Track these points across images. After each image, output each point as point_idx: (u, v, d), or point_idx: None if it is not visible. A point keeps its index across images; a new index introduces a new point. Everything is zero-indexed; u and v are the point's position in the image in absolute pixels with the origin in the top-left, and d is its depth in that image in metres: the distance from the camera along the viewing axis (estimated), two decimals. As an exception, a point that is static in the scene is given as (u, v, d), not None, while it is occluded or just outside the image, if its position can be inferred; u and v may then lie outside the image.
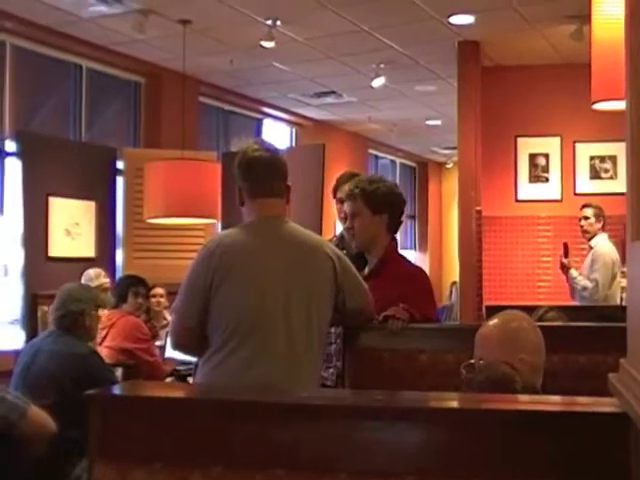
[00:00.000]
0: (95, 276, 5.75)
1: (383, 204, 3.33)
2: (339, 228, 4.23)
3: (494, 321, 2.39)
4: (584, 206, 6.34)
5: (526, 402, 1.77)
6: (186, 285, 2.78)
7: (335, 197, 3.97)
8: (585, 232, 6.27)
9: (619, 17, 3.40)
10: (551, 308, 4.07)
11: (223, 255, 2.73)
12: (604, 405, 1.47)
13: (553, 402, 1.70)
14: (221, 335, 2.72)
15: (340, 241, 3.87)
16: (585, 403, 1.55)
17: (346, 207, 3.43)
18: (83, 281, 5.61)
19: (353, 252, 3.55)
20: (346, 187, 3.79)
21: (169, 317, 6.15)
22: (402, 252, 3.69)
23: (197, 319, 2.73)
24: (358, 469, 1.52)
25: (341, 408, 1.67)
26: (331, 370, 3.65)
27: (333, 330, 3.58)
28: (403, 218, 3.50)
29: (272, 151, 2.90)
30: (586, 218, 6.26)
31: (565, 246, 6.30)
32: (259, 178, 2.84)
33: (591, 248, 6.29)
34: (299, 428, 1.60)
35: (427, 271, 12.85)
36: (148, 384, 3.30)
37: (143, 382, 4.11)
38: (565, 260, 6.27)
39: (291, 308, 2.74)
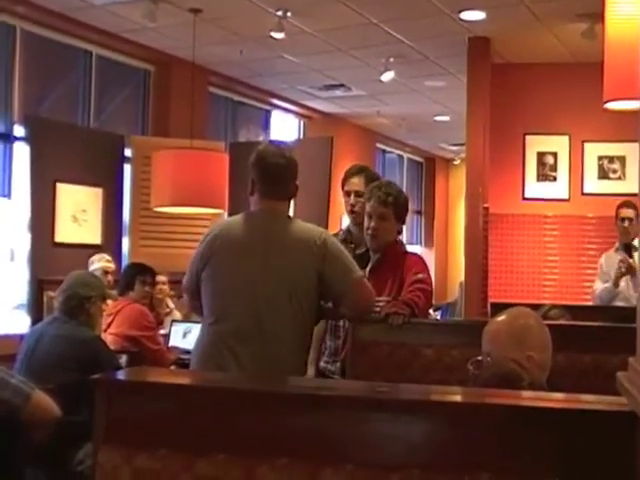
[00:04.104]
0: (98, 259, 5.76)
1: (405, 214, 3.63)
2: (345, 221, 4.25)
3: (502, 317, 2.38)
4: (625, 206, 5.61)
5: (532, 398, 1.77)
6: (188, 266, 3.08)
7: (343, 190, 4.01)
8: (627, 234, 5.57)
9: (633, 16, 3.39)
10: (554, 306, 4.10)
11: (213, 241, 2.99)
12: (611, 403, 1.47)
13: (560, 399, 1.69)
14: (208, 317, 2.98)
15: (348, 235, 3.90)
16: (592, 401, 1.55)
17: (372, 209, 3.58)
18: (89, 264, 5.65)
19: (363, 249, 3.65)
20: (355, 180, 3.88)
21: (172, 304, 6.16)
22: (407, 247, 3.77)
23: (198, 298, 3.04)
24: (363, 461, 1.52)
25: (345, 399, 1.67)
26: (338, 364, 3.66)
27: (342, 324, 3.61)
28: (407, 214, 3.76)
29: (288, 158, 3.05)
30: (630, 220, 5.54)
31: (628, 246, 5.51)
32: (272, 182, 3.03)
33: (635, 249, 5.58)
34: (304, 418, 1.61)
35: (432, 267, 12.75)
36: (154, 370, 3.30)
37: (149, 368, 4.12)
38: (631, 260, 5.40)
39: (268, 298, 2.88)
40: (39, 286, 5.98)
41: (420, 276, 3.31)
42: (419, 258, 3.63)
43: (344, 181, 4.03)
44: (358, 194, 3.87)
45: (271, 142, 3.20)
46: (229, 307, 2.92)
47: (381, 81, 8.13)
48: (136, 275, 5.25)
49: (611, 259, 5.64)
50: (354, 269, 3.02)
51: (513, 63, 7.74)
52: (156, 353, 4.96)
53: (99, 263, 5.72)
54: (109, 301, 4.84)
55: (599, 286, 5.66)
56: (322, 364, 3.82)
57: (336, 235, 3.99)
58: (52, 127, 6.60)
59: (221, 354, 2.87)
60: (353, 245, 3.85)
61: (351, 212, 3.91)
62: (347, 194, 3.95)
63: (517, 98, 7.66)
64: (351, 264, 3.03)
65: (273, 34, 6.70)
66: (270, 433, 1.60)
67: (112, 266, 5.81)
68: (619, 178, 7.50)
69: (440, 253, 13.85)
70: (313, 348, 3.80)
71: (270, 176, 3.01)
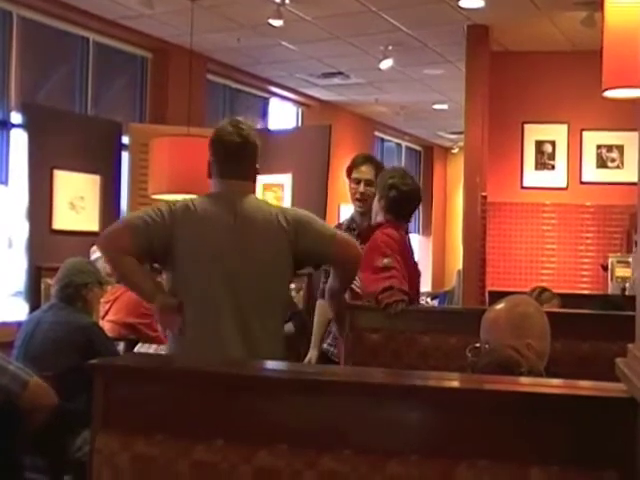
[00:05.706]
0: None
1: (384, 195, 3.56)
2: (343, 209, 4.29)
3: (501, 305, 2.38)
4: None
5: (532, 384, 1.77)
6: (147, 212, 2.83)
7: (350, 177, 4.06)
8: None
9: (632, 4, 3.37)
10: (544, 289, 4.13)
11: (177, 221, 2.79)
12: (610, 390, 1.47)
13: (559, 385, 1.69)
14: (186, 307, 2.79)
15: (352, 223, 3.99)
16: (591, 387, 1.55)
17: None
18: (91, 252, 5.63)
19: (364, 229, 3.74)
20: (364, 168, 3.95)
21: None
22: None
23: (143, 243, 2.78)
24: (361, 446, 1.52)
25: (343, 385, 1.66)
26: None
27: None
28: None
29: (244, 136, 2.94)
30: None
31: None
32: (228, 161, 2.94)
33: None
34: (302, 404, 1.61)
35: (430, 255, 12.74)
36: (152, 356, 3.30)
37: (147, 354, 4.12)
38: None
39: (239, 283, 2.76)
40: (37, 273, 5.96)
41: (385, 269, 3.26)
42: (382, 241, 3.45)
43: (351, 169, 4.07)
44: (368, 183, 3.96)
45: (230, 123, 3.02)
46: (196, 283, 2.79)
47: (380, 69, 8.11)
48: (134, 262, 5.23)
49: None
50: (329, 229, 2.98)
51: (512, 51, 7.72)
52: (154, 340, 4.95)
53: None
54: (108, 287, 4.83)
55: None
56: (325, 346, 3.85)
57: (340, 225, 4.08)
58: (49, 114, 6.57)
59: (197, 337, 2.78)
60: (356, 232, 3.89)
61: (358, 199, 3.98)
62: (356, 181, 4.02)
63: (516, 86, 7.64)
64: (325, 226, 2.99)
65: (271, 21, 6.67)
66: (268, 419, 1.60)
67: None
68: (617, 167, 7.49)
69: (438, 241, 13.85)
70: (316, 333, 3.83)
71: (226, 154, 2.94)
